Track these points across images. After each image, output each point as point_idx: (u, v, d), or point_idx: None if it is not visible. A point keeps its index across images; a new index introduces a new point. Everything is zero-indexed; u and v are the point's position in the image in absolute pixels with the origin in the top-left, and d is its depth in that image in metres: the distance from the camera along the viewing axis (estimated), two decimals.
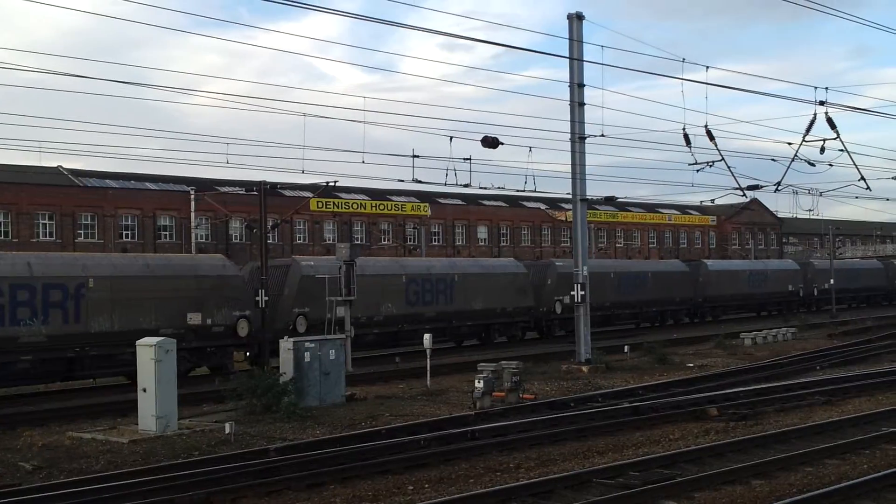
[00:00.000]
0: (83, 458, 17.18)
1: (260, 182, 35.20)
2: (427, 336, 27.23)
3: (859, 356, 33.22)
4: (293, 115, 44.85)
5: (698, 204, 44.75)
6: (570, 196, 32.98)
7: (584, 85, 31.51)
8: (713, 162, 30.30)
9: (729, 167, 30.22)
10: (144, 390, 19.86)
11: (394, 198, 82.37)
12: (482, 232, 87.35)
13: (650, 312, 53.96)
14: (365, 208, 78.67)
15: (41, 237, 60.86)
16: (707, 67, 28.23)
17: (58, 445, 18.48)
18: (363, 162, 30.14)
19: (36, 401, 26.29)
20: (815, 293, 66.25)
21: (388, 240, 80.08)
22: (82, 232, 63.33)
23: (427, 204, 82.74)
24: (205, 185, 66.11)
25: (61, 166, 68.39)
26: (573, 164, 31.91)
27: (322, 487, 13.98)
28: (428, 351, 26.97)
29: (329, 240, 74.44)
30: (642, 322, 53.61)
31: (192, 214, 64.43)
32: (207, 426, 20.06)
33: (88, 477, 15.15)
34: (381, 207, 79.92)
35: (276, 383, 21.91)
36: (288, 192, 63.78)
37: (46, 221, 61.90)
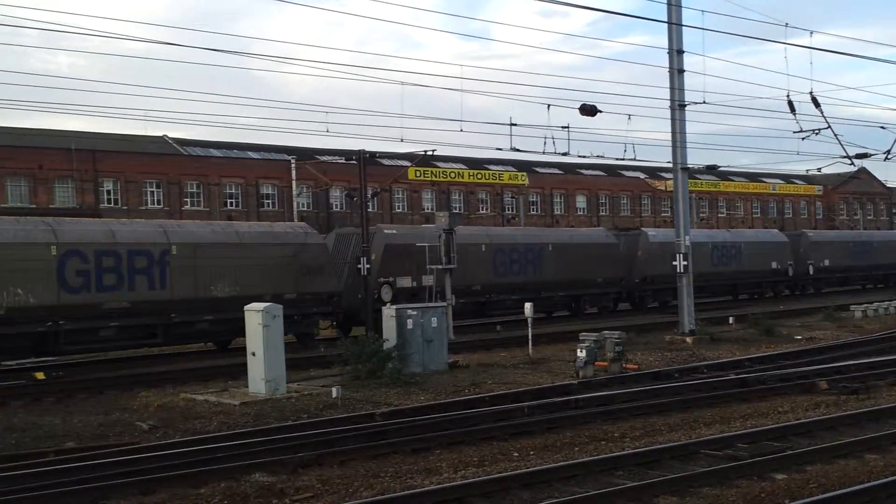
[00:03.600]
0: (197, 418, 17.73)
1: (359, 151, 35.53)
2: (528, 305, 27.23)
3: None
4: (391, 83, 45.12)
5: (804, 173, 43.80)
6: (670, 165, 32.51)
7: (684, 51, 30.96)
8: (819, 130, 29.58)
9: (836, 135, 29.47)
10: (254, 354, 20.35)
11: (491, 167, 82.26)
12: (581, 201, 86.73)
13: (748, 283, 52.81)
14: (463, 177, 78.78)
15: (149, 205, 62.51)
16: (811, 32, 27.62)
17: (172, 406, 19.10)
18: (461, 130, 30.39)
19: (151, 363, 27.09)
20: None
21: (486, 209, 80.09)
22: (188, 200, 64.83)
23: (524, 173, 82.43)
24: (305, 154, 67.04)
25: (166, 135, 69.99)
26: (673, 133, 31.42)
27: (428, 452, 14.15)
28: (529, 320, 27.00)
29: (427, 209, 74.78)
30: (740, 293, 52.53)
31: (294, 183, 65.37)
32: (314, 390, 20.49)
33: (203, 437, 15.64)
34: (479, 176, 79.90)
35: (380, 350, 22.23)
36: (386, 161, 64.27)
37: (154, 189, 63.50)
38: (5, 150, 56.59)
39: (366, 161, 35.43)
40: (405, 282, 34.21)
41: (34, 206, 56.37)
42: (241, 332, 29.17)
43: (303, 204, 69.31)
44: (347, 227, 39.60)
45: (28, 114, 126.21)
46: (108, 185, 61.46)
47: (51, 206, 56.81)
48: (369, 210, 37.53)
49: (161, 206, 62.96)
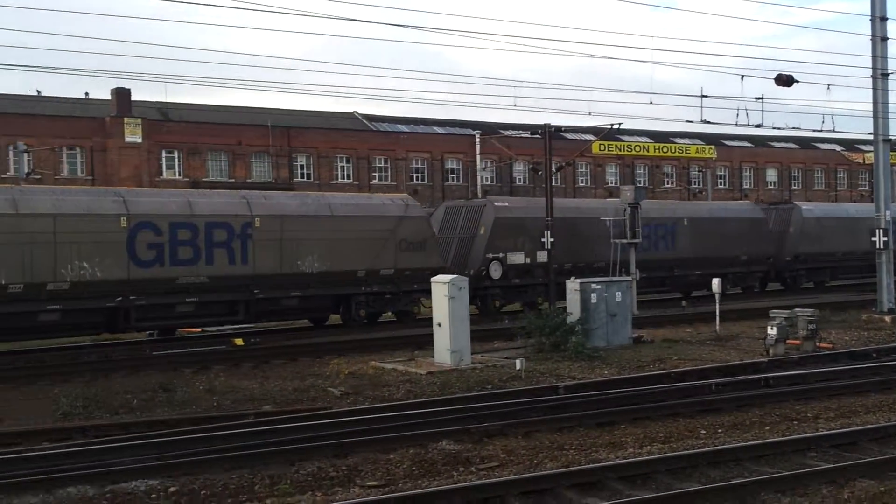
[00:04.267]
0: (385, 386, 18.24)
1: (544, 125, 35.41)
2: (716, 281, 26.56)
3: None
4: (579, 56, 44.63)
5: None
6: (870, 137, 30.98)
7: (888, 18, 29.45)
8: None
9: None
10: (440, 325, 20.73)
11: (677, 140, 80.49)
12: (771, 175, 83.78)
13: None
14: (648, 151, 77.45)
15: (339, 179, 64.38)
16: None
17: (362, 374, 19.72)
18: (650, 103, 29.88)
19: (341, 332, 27.93)
20: None
21: (672, 183, 78.53)
22: (377, 174, 66.40)
23: (712, 146, 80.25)
24: (489, 129, 67.49)
25: (356, 112, 71.80)
26: (875, 103, 29.91)
27: (612, 427, 14.09)
28: (717, 296, 26.36)
29: (611, 183, 73.97)
30: None
31: (478, 157, 65.96)
32: (498, 362, 20.71)
33: (391, 404, 16.08)
34: (665, 150, 78.36)
35: (563, 323, 22.22)
36: (570, 136, 63.93)
37: (344, 164, 65.34)
38: (208, 127, 59.52)
39: (550, 135, 35.32)
40: (517, 258, 32.25)
41: (233, 180, 59.11)
42: (332, 309, 29.02)
43: (486, 178, 69.85)
44: (457, 200, 38.33)
45: (229, 91, 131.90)
46: (301, 160, 63.69)
47: (248, 180, 59.40)
48: (553, 184, 37.39)
49: (350, 180, 64.72)
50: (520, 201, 38.06)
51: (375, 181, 65.75)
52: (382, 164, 67.00)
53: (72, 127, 55.52)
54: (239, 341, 24.93)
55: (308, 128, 64.18)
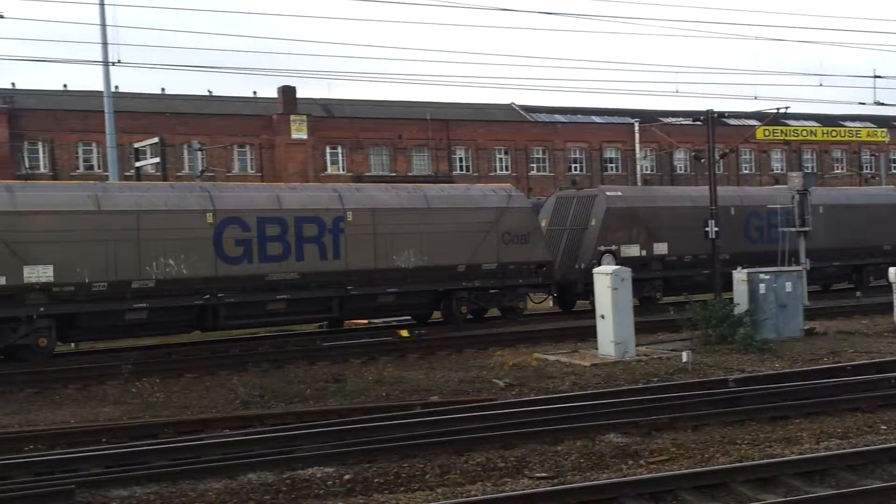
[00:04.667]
0: (549, 378, 18.27)
1: (706, 111, 34.63)
2: (892, 270, 25.43)
3: None
4: (744, 39, 43.36)
5: None
6: None
7: None
8: None
9: None
10: (602, 317, 20.62)
11: (847, 123, 77.29)
12: None
13: None
14: (815, 135, 74.69)
15: (497, 171, 64.67)
16: None
17: (525, 366, 19.79)
18: (820, 85, 28.81)
19: (504, 324, 28.03)
20: None
21: (842, 168, 75.53)
22: (534, 166, 66.38)
23: (885, 129, 76.71)
24: (648, 117, 66.46)
25: (514, 103, 71.92)
26: None
27: (786, 421, 13.71)
28: (894, 285, 25.24)
29: (777, 169, 71.74)
30: None
31: (637, 146, 65.07)
32: (664, 354, 20.45)
33: (556, 396, 16.11)
34: (833, 134, 75.38)
35: (730, 314, 21.74)
36: (733, 122, 62.32)
37: (502, 156, 65.58)
38: (370, 121, 60.81)
39: (713, 121, 34.51)
40: (632, 250, 30.36)
41: (394, 173, 60.20)
42: (431, 305, 27.89)
43: (646, 167, 68.87)
44: (568, 190, 36.51)
45: (390, 85, 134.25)
46: (460, 153, 64.30)
47: (409, 173, 60.40)
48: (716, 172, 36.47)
49: (509, 171, 64.92)
50: (635, 190, 36.56)
51: (533, 172, 65.76)
52: (540, 155, 66.92)
53: (242, 125, 57.72)
54: (405, 333, 25.37)
55: (467, 120, 64.69)
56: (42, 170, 53.51)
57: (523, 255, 27.86)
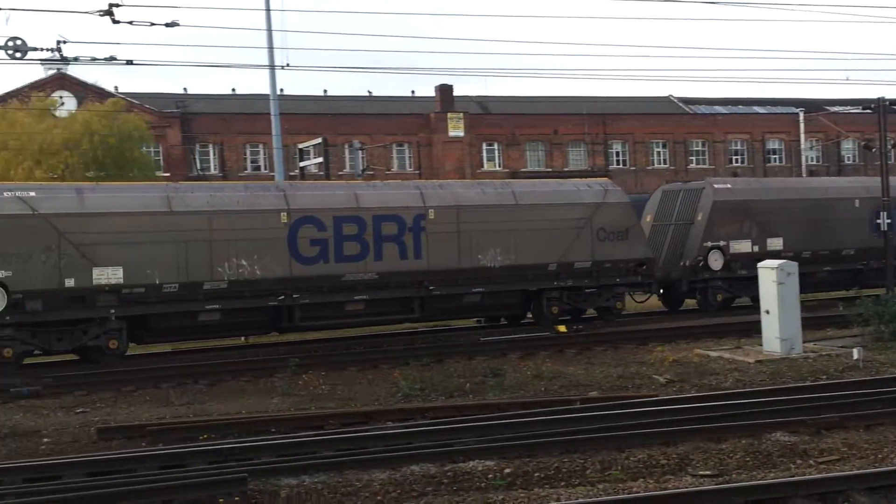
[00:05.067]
0: (711, 374, 17.92)
1: (877, 99, 33.19)
2: None
3: None
4: None
5: None
6: None
7: None
8: None
9: None
10: (767, 312, 20.08)
11: None
12: None
13: None
14: None
15: (655, 165, 63.68)
16: None
17: (686, 362, 19.47)
18: None
19: (661, 320, 27.64)
20: None
21: None
22: (693, 158, 65.05)
23: None
24: (813, 106, 64.14)
25: (672, 95, 70.64)
26: None
27: None
28: None
29: None
30: None
31: (802, 136, 62.86)
32: (832, 350, 19.77)
33: (719, 392, 15.79)
34: None
35: None
36: None
37: (660, 149, 64.55)
38: (525, 117, 60.90)
39: (885, 109, 33.03)
40: (742, 246, 28.65)
41: (550, 168, 60.06)
42: (520, 306, 26.73)
43: (811, 158, 66.51)
44: (675, 183, 34.62)
45: (545, 81, 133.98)
46: (616, 147, 63.66)
47: (564, 168, 60.15)
48: (889, 162, 34.90)
49: (667, 165, 63.85)
50: (746, 182, 34.26)
51: (693, 165, 64.45)
52: (700, 148, 65.57)
53: (400, 124, 58.73)
54: (562, 328, 25.30)
55: (623, 114, 63.96)
56: (212, 171, 55.82)
57: (621, 252, 26.58)
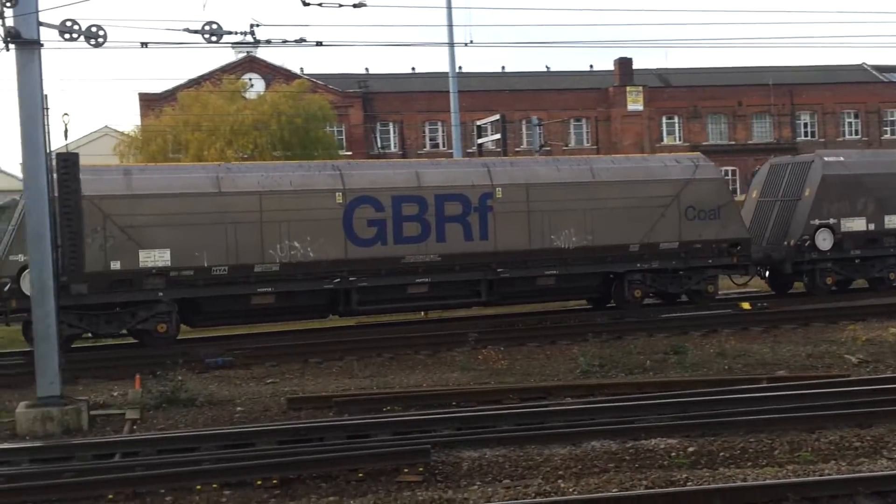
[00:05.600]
0: None
1: None
2: None
3: None
4: None
5: None
6: None
7: None
8: None
9: None
10: None
11: None
12: None
13: None
14: None
15: (846, 136, 60.90)
16: None
17: (881, 341, 18.63)
18: None
19: (854, 297, 26.46)
20: None
21: None
22: (888, 129, 61.83)
23: None
24: None
25: (865, 63, 67.24)
26: None
27: None
28: None
29: None
30: None
31: None
32: None
33: None
34: None
35: None
36: None
37: (851, 120, 61.65)
38: (707, 89, 59.28)
39: None
40: (855, 224, 26.44)
41: (732, 142, 58.31)
42: (599, 289, 25.20)
43: None
44: (784, 156, 31.95)
45: (729, 51, 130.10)
46: (804, 118, 61.19)
47: (748, 142, 58.27)
48: None
49: (858, 136, 60.95)
50: (861, 155, 31.64)
51: (887, 136, 61.25)
52: (895, 118, 62.22)
53: (578, 99, 58.26)
54: (746, 305, 24.58)
55: (812, 84, 61.33)
56: (392, 149, 56.91)
57: (712, 231, 24.95)
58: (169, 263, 20.74)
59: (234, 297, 21.52)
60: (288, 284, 21.69)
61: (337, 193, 22.14)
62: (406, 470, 10.38)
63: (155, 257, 20.66)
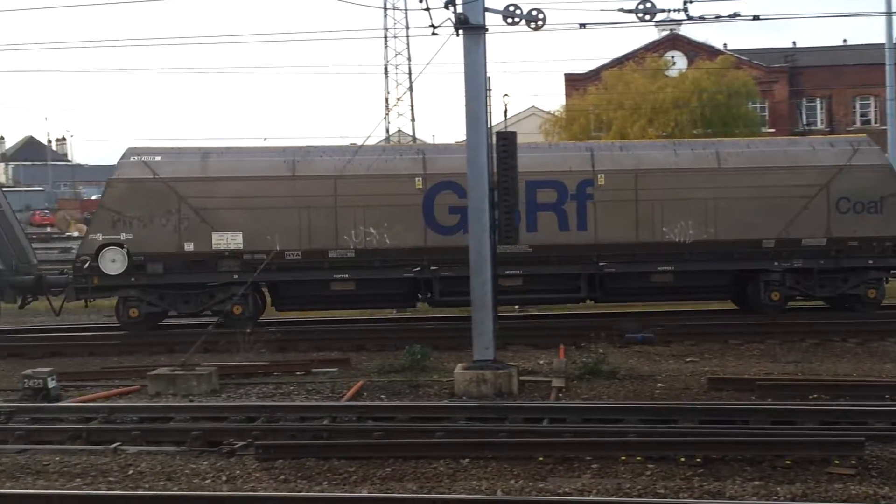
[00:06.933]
0: None
1: None
2: None
3: None
4: None
5: None
6: None
7: None
8: None
9: None
10: None
11: None
12: None
13: None
14: None
15: None
16: None
17: None
18: None
19: None
20: None
21: None
22: None
23: None
24: None
25: None
26: None
27: None
28: None
29: None
30: None
31: None
32: None
33: None
34: None
35: None
36: None
37: None
38: None
39: None
40: None
41: None
42: (727, 289, 22.14)
43: None
44: None
45: None
46: None
47: None
48: None
49: None
50: None
51: None
52: None
53: None
54: None
55: None
56: (818, 125, 54.28)
57: (871, 227, 21.36)
58: (241, 246, 20.81)
59: (313, 282, 21.33)
60: (364, 272, 21.15)
61: (417, 178, 21.20)
62: (837, 462, 10.04)
63: (227, 240, 20.80)
